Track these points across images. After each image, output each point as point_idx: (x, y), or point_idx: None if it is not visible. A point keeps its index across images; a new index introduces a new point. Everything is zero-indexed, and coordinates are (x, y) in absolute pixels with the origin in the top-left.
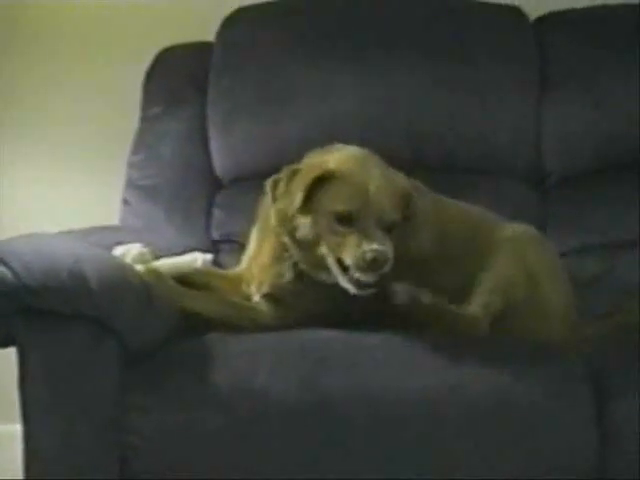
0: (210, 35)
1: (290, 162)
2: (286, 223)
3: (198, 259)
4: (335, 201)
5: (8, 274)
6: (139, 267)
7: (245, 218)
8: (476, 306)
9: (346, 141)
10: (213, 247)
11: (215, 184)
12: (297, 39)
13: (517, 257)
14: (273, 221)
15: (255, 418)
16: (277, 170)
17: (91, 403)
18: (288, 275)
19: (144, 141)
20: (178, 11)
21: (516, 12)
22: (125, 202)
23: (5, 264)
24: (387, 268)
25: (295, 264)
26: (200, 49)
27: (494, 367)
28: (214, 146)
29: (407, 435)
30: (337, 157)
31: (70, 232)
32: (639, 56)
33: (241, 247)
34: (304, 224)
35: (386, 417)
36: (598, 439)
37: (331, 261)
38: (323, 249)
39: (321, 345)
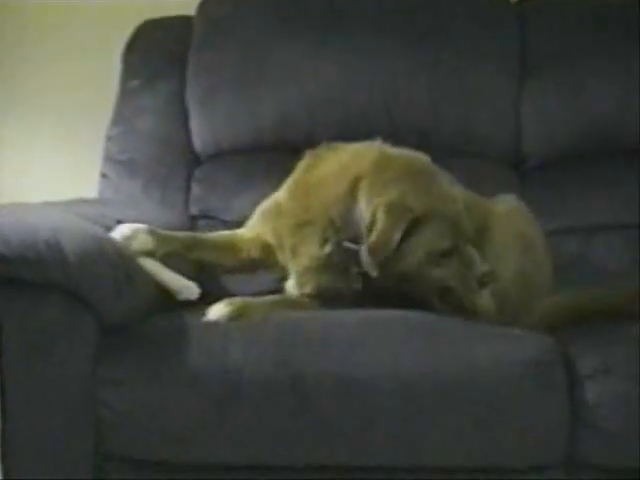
0: (191, 9)
1: (268, 138)
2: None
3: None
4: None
5: None
6: (145, 261)
7: (224, 194)
8: (488, 300)
9: (326, 120)
10: (191, 222)
11: (194, 159)
12: (279, 17)
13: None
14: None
15: (228, 395)
16: (256, 146)
17: (66, 375)
18: (333, 278)
19: (123, 115)
20: None
21: None
22: (103, 176)
23: None
24: None
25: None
26: (181, 23)
27: (467, 348)
28: (193, 121)
29: (380, 415)
30: (415, 189)
31: (49, 203)
32: (620, 42)
33: (219, 223)
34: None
35: (359, 396)
36: (570, 421)
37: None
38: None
39: (295, 324)
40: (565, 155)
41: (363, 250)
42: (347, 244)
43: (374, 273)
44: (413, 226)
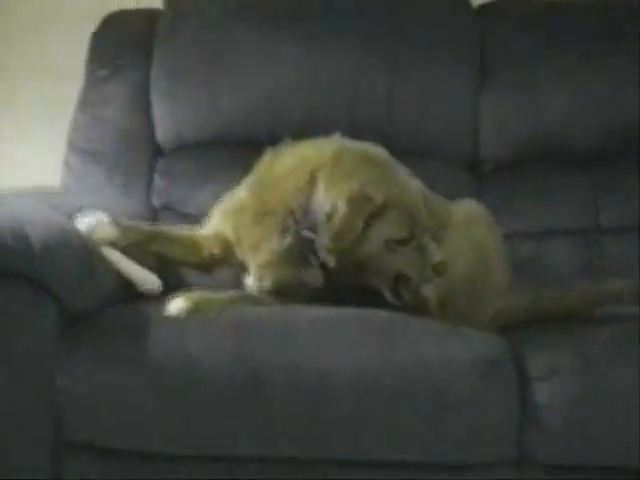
0: (158, 2)
1: (230, 132)
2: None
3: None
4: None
5: None
6: (109, 251)
7: (185, 186)
8: (430, 294)
9: (286, 116)
10: (153, 213)
11: (157, 151)
12: (243, 11)
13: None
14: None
15: (185, 387)
16: (218, 140)
17: (27, 363)
18: (293, 271)
19: (88, 104)
20: None
21: None
22: (66, 164)
23: None
24: None
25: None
26: (148, 15)
27: (420, 346)
28: (156, 113)
29: (334, 410)
30: (374, 179)
31: (13, 193)
32: (578, 48)
33: (180, 215)
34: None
35: (314, 390)
36: (519, 420)
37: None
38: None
39: (253, 319)
40: (521, 159)
41: (321, 237)
42: (306, 233)
43: (332, 262)
44: (373, 215)
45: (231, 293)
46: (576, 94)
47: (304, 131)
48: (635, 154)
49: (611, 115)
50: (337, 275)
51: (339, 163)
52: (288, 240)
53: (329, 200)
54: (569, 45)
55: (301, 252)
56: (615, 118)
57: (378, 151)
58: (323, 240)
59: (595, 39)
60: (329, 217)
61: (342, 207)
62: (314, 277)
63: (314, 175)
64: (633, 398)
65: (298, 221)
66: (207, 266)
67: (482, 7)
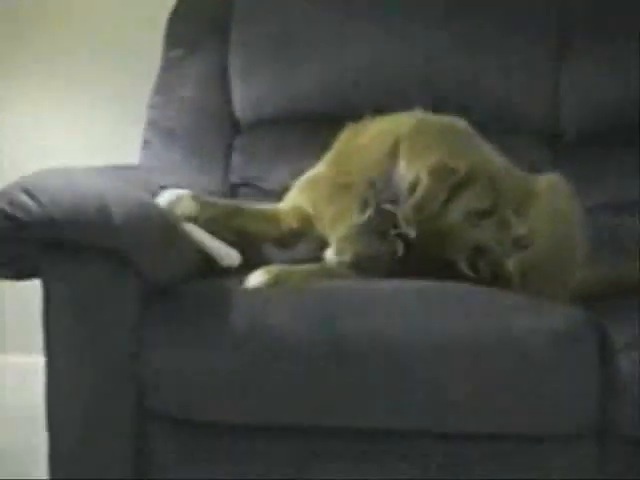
0: None
1: (308, 109)
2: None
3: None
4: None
5: (34, 206)
6: (189, 226)
7: (263, 163)
8: (514, 268)
9: (365, 91)
10: (231, 190)
11: (234, 128)
12: None
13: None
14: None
15: (269, 358)
16: (296, 116)
17: (111, 336)
18: (372, 244)
19: (166, 83)
20: None
21: None
22: (145, 142)
23: (32, 196)
24: None
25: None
26: None
27: (502, 318)
28: (235, 90)
29: (416, 380)
30: (456, 150)
31: (93, 169)
32: None
33: (259, 191)
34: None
35: (397, 361)
36: (602, 392)
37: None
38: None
39: (338, 291)
40: (602, 129)
41: (403, 210)
42: (386, 206)
43: (412, 233)
44: (455, 187)
45: (311, 266)
46: None
47: (384, 107)
48: None
49: None
50: (416, 247)
51: (421, 135)
52: (368, 213)
53: (411, 172)
54: None
55: (381, 225)
56: None
57: (460, 123)
58: (405, 211)
59: None
60: (411, 188)
61: (425, 178)
62: (393, 247)
63: (396, 147)
64: None
65: (378, 194)
66: (286, 241)
67: None
